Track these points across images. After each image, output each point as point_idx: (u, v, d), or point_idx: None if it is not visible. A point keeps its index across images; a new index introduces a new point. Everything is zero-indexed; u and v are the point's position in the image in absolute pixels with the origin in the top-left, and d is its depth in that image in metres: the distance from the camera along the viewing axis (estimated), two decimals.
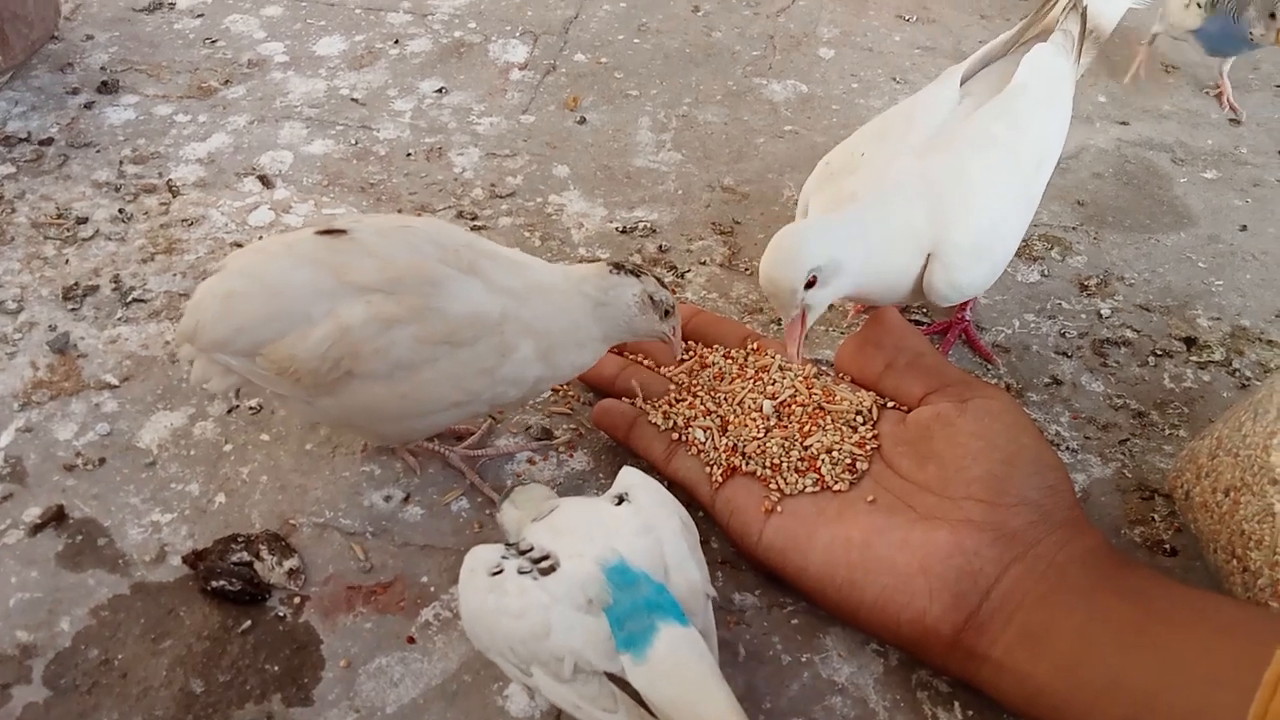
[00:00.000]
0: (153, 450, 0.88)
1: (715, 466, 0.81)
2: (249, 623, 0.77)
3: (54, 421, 0.90)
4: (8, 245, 1.06)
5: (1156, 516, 0.87)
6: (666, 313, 0.80)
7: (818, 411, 0.83)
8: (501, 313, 0.75)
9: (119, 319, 0.99)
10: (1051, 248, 1.13)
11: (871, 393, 0.84)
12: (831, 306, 1.00)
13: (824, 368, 0.88)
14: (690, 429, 0.84)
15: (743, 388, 0.85)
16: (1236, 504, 0.79)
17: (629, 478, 0.73)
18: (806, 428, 0.82)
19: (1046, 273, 1.10)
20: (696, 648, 0.64)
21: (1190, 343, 1.03)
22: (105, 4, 1.43)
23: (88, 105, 1.25)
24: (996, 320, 1.04)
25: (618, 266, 0.79)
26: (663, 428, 0.85)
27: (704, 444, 0.83)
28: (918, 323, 1.03)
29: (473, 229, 1.08)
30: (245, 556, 0.79)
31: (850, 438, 0.81)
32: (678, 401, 0.86)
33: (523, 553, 0.68)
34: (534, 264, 0.80)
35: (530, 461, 0.89)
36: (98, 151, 1.18)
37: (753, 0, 1.53)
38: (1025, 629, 0.68)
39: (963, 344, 1.01)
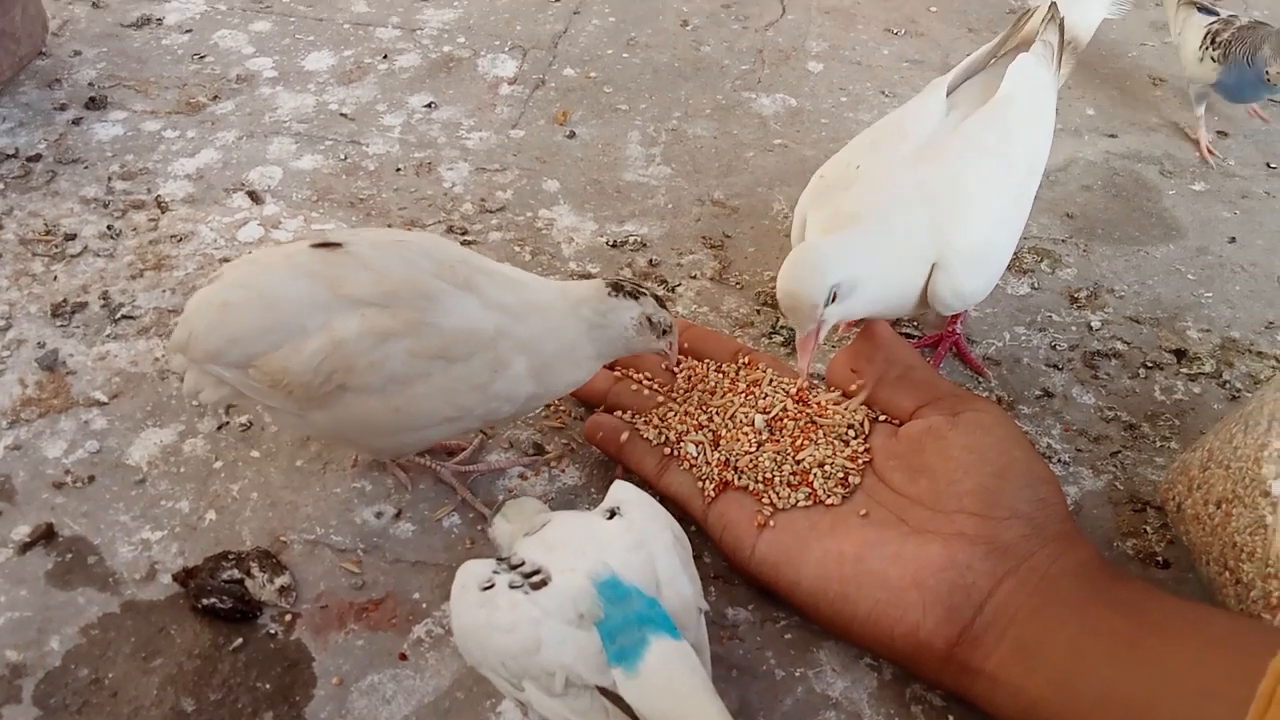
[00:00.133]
0: (142, 467, 0.88)
1: (707, 481, 0.81)
2: (240, 640, 0.76)
3: (43, 439, 0.89)
4: None
5: (1149, 529, 0.88)
6: (664, 331, 0.80)
7: (809, 425, 0.83)
8: (496, 329, 0.75)
9: (108, 336, 0.98)
10: (1041, 260, 1.13)
11: (863, 406, 0.84)
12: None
13: (815, 382, 0.88)
14: (682, 443, 0.84)
15: (734, 402, 0.85)
16: (1228, 516, 0.79)
17: (621, 492, 0.73)
18: (798, 442, 0.82)
19: (1037, 285, 1.10)
20: (688, 661, 0.63)
21: (1180, 355, 1.03)
22: (93, 20, 1.43)
23: (76, 121, 1.24)
24: (987, 333, 1.04)
25: (616, 288, 0.79)
26: (655, 442, 0.85)
27: (696, 458, 0.83)
28: (908, 336, 1.03)
29: (463, 244, 1.07)
30: (236, 574, 0.79)
31: (842, 451, 0.81)
32: (669, 416, 0.86)
33: (514, 567, 0.68)
34: (530, 281, 0.80)
35: (522, 477, 0.89)
36: (86, 168, 1.18)
37: (741, 14, 1.54)
38: (1018, 642, 0.68)
39: (954, 357, 1.01)
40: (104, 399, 0.93)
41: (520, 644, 0.64)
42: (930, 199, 0.86)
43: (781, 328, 1.02)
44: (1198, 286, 1.12)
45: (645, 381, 0.90)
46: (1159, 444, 0.95)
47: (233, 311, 0.74)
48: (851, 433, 0.82)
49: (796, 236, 0.92)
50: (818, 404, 0.84)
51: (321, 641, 0.77)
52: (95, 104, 1.27)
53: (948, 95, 0.95)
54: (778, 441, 0.82)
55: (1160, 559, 0.85)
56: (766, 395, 0.85)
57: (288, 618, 0.78)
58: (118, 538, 0.83)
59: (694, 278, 1.08)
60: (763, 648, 0.78)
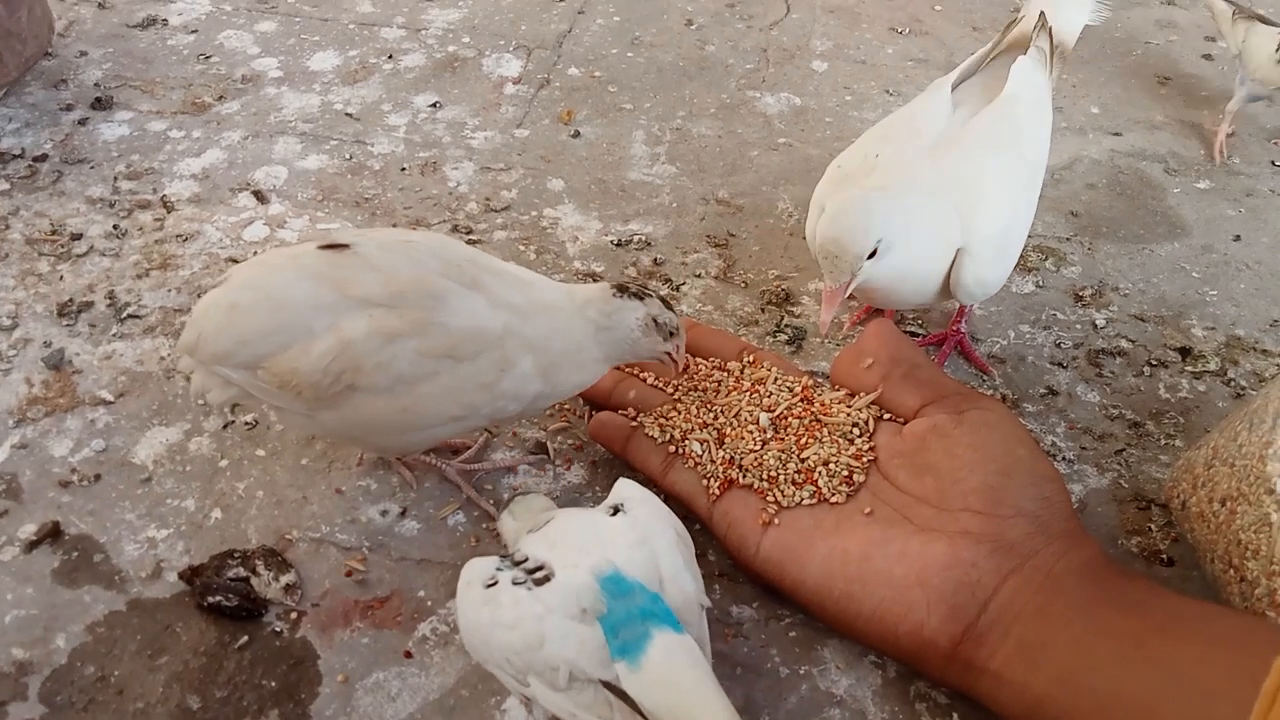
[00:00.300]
0: (148, 466, 0.88)
1: (712, 479, 0.81)
2: (246, 638, 0.77)
3: (49, 438, 0.90)
4: (2, 262, 1.06)
5: (1153, 527, 0.87)
6: (670, 333, 0.80)
7: (814, 424, 0.83)
8: (503, 328, 0.75)
9: (114, 335, 0.98)
10: (1046, 258, 1.13)
11: (868, 405, 0.84)
12: None
13: (820, 380, 0.88)
14: (687, 441, 0.84)
15: (739, 400, 0.85)
16: (1233, 514, 0.79)
17: (625, 490, 0.73)
18: (803, 440, 0.82)
19: (1041, 283, 1.10)
20: (691, 654, 0.64)
21: (1185, 353, 1.03)
22: (99, 20, 1.43)
23: (82, 121, 1.25)
24: (992, 331, 1.04)
25: (622, 289, 0.79)
26: (659, 440, 0.85)
27: (701, 456, 0.83)
28: (913, 334, 1.03)
29: (468, 243, 1.08)
30: (242, 572, 0.79)
31: (847, 450, 0.81)
32: (674, 414, 0.86)
33: (518, 564, 0.68)
34: (538, 281, 0.80)
35: (526, 471, 0.89)
36: (92, 168, 1.18)
37: (746, 14, 1.54)
38: (1023, 640, 0.68)
39: (958, 355, 1.01)
40: (110, 398, 0.93)
41: (524, 640, 0.64)
42: (953, 187, 0.87)
43: (786, 326, 1.02)
44: (1202, 284, 1.11)
45: (650, 380, 0.90)
46: (1163, 442, 0.94)
47: (241, 313, 0.74)
48: (856, 431, 0.82)
49: (812, 226, 0.93)
50: (822, 402, 0.84)
51: (327, 639, 0.77)
52: (101, 104, 1.27)
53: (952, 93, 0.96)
54: (782, 440, 0.82)
55: (1165, 557, 0.85)
56: (771, 394, 0.85)
57: (293, 616, 0.78)
58: (124, 536, 0.83)
59: (699, 276, 1.08)
60: (767, 645, 0.78)
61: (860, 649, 0.77)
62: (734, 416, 0.84)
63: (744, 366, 0.89)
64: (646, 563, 0.67)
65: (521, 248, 1.11)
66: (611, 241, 1.12)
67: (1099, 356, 1.02)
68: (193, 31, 1.42)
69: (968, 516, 0.73)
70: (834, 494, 0.78)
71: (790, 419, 0.83)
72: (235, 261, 1.06)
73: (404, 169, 1.21)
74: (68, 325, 0.99)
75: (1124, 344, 1.04)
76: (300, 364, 0.73)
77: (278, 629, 0.78)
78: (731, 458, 0.81)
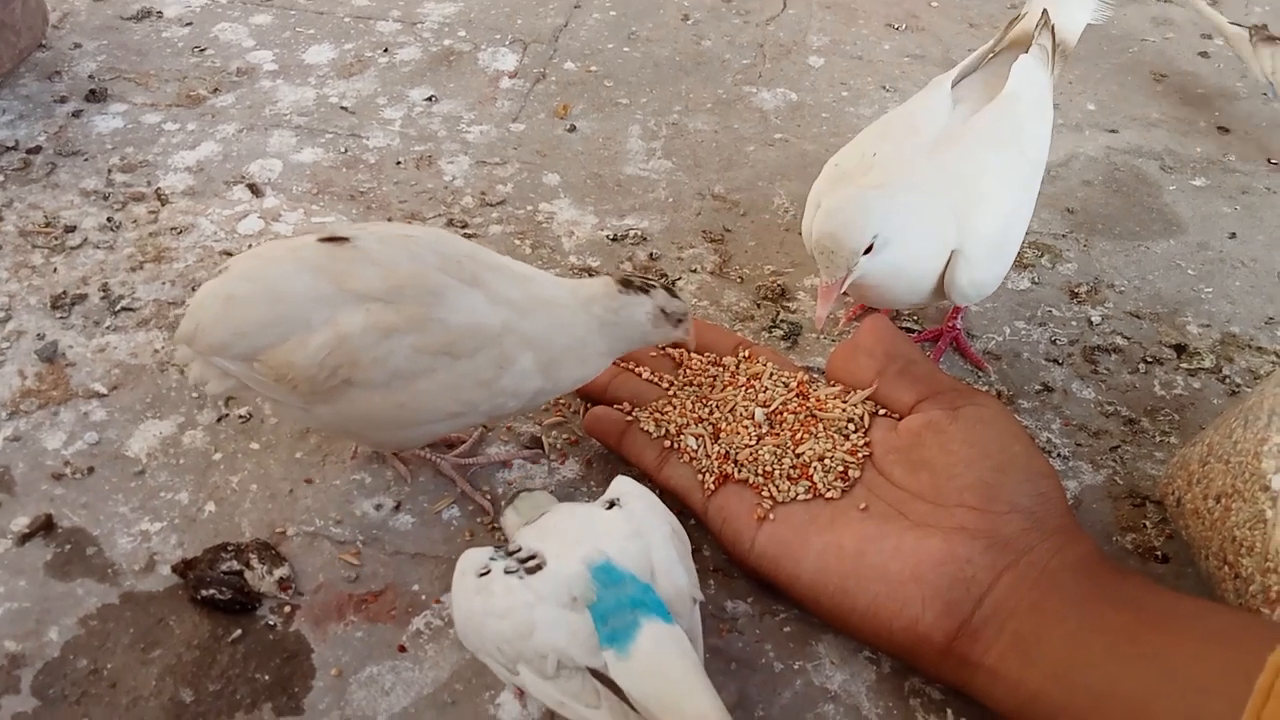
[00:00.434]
0: (142, 459, 0.88)
1: (707, 474, 0.81)
2: (239, 632, 0.76)
3: (42, 430, 0.89)
4: None
5: (1148, 523, 0.88)
6: (679, 320, 0.81)
7: (809, 419, 0.83)
8: (502, 325, 0.75)
9: (107, 327, 0.98)
10: (1042, 255, 1.13)
11: (863, 400, 0.84)
12: None
13: (815, 375, 0.88)
14: (682, 436, 0.84)
15: (734, 395, 0.85)
16: (1228, 510, 0.79)
17: (622, 485, 0.74)
18: (798, 435, 0.82)
19: (1037, 280, 1.10)
20: (680, 644, 0.64)
21: (1180, 350, 1.03)
22: (93, 12, 1.43)
23: (76, 113, 1.24)
24: (987, 328, 1.04)
25: (627, 284, 0.79)
26: (655, 435, 0.85)
27: (696, 451, 0.83)
28: (908, 330, 1.03)
29: (464, 237, 1.08)
30: (235, 565, 0.79)
31: (842, 445, 0.81)
32: (670, 409, 0.86)
33: (511, 554, 0.69)
34: (540, 277, 0.80)
35: (521, 465, 0.88)
36: (86, 160, 1.18)
37: (742, 9, 1.53)
38: (1018, 636, 0.68)
39: (954, 351, 1.01)
40: (103, 391, 0.93)
41: (514, 628, 0.64)
42: (951, 186, 0.87)
43: (782, 321, 1.02)
44: (1198, 282, 1.11)
45: (646, 375, 0.90)
46: (1158, 439, 0.94)
47: (238, 305, 0.74)
48: (851, 426, 0.82)
49: (809, 223, 0.93)
50: (818, 398, 0.84)
51: (320, 633, 0.77)
52: (95, 96, 1.26)
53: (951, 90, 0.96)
54: (778, 435, 0.82)
55: (1159, 554, 0.85)
56: (766, 389, 0.85)
57: (287, 609, 0.78)
58: (117, 529, 0.83)
59: (694, 271, 1.08)
60: (762, 640, 0.78)
61: (855, 644, 0.77)
62: (729, 412, 0.84)
63: (739, 362, 0.88)
64: (639, 554, 0.68)
65: (517, 242, 1.10)
66: (607, 236, 1.12)
67: (1094, 353, 1.02)
68: (187, 24, 1.42)
69: (963, 512, 0.73)
70: (829, 489, 0.78)
71: (785, 414, 0.83)
72: (230, 254, 1.06)
73: (399, 163, 1.21)
74: (61, 318, 0.99)
75: (1119, 341, 1.04)
76: (296, 357, 0.73)
77: (271, 622, 0.77)
78: (727, 453, 0.81)
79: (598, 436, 0.88)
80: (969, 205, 0.87)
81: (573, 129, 1.27)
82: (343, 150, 1.22)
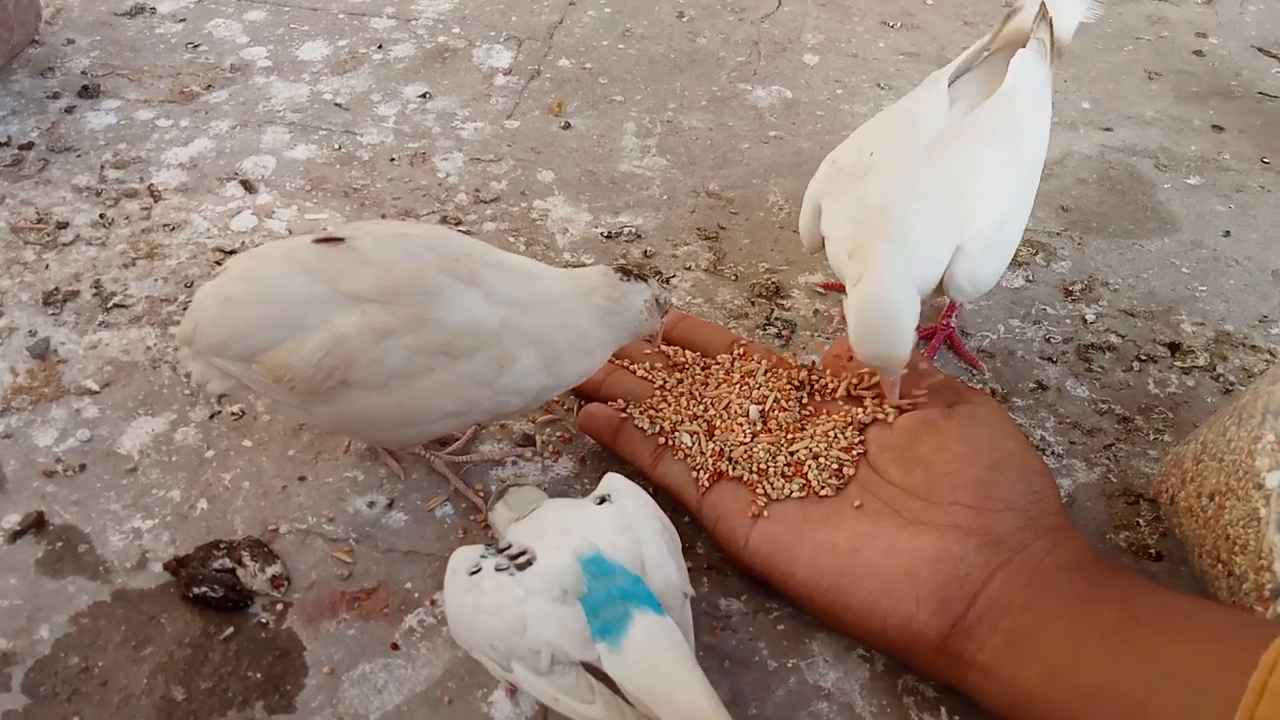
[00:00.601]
0: (134, 456, 0.87)
1: (702, 471, 0.81)
2: (231, 630, 0.76)
3: (34, 427, 0.89)
4: None
5: (1142, 521, 0.88)
6: (664, 311, 0.81)
7: (804, 417, 0.83)
8: (501, 323, 0.75)
9: (100, 324, 0.98)
10: (1036, 253, 1.13)
11: (855, 396, 0.84)
12: (816, 312, 1.01)
13: (810, 372, 0.88)
14: (677, 433, 0.84)
15: (729, 393, 0.85)
16: (1221, 508, 0.79)
17: (613, 481, 0.74)
18: (792, 433, 0.82)
19: (1031, 278, 1.10)
20: (672, 635, 0.64)
21: (1174, 348, 1.03)
22: (86, 8, 1.42)
23: (68, 109, 1.24)
24: (981, 326, 1.04)
25: (625, 272, 0.79)
26: (649, 432, 0.85)
27: (690, 448, 0.83)
28: None
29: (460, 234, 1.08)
30: (227, 563, 0.79)
31: (837, 443, 0.80)
32: (664, 406, 0.86)
33: (501, 551, 0.69)
34: (541, 272, 0.79)
35: (514, 463, 0.88)
36: (78, 156, 1.17)
37: (737, 6, 1.53)
38: (1011, 634, 0.68)
39: (948, 349, 1.01)
40: (95, 387, 0.92)
41: (506, 625, 0.64)
42: (949, 185, 0.86)
43: (776, 319, 1.02)
44: (1192, 280, 1.11)
45: (640, 372, 0.89)
46: (1152, 437, 0.94)
47: (235, 306, 0.74)
48: (845, 424, 0.82)
49: (807, 222, 0.93)
50: (812, 396, 0.84)
51: (313, 631, 0.77)
52: (88, 92, 1.26)
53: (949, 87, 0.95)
54: (772, 432, 0.82)
55: (1153, 551, 0.85)
56: (761, 386, 0.85)
57: (279, 607, 0.78)
58: (109, 526, 0.82)
59: (689, 269, 1.08)
60: (755, 638, 0.78)
61: (848, 642, 0.77)
62: (724, 409, 0.84)
63: (734, 359, 0.88)
64: (630, 547, 0.68)
65: (511, 239, 1.10)
66: (601, 233, 1.12)
67: (1088, 351, 1.02)
68: (181, 20, 1.41)
69: (957, 510, 0.73)
70: (823, 487, 0.78)
71: (780, 412, 0.83)
72: (223, 251, 1.06)
73: (393, 159, 1.20)
74: (53, 314, 0.98)
75: (1113, 339, 1.04)
76: (293, 359, 0.73)
77: (263, 620, 0.77)
78: (721, 450, 0.81)
79: (592, 433, 0.88)
80: (968, 203, 0.87)
81: (567, 126, 1.27)
82: (336, 147, 1.21)
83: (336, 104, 1.28)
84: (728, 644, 0.77)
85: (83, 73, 1.30)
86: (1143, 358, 1.02)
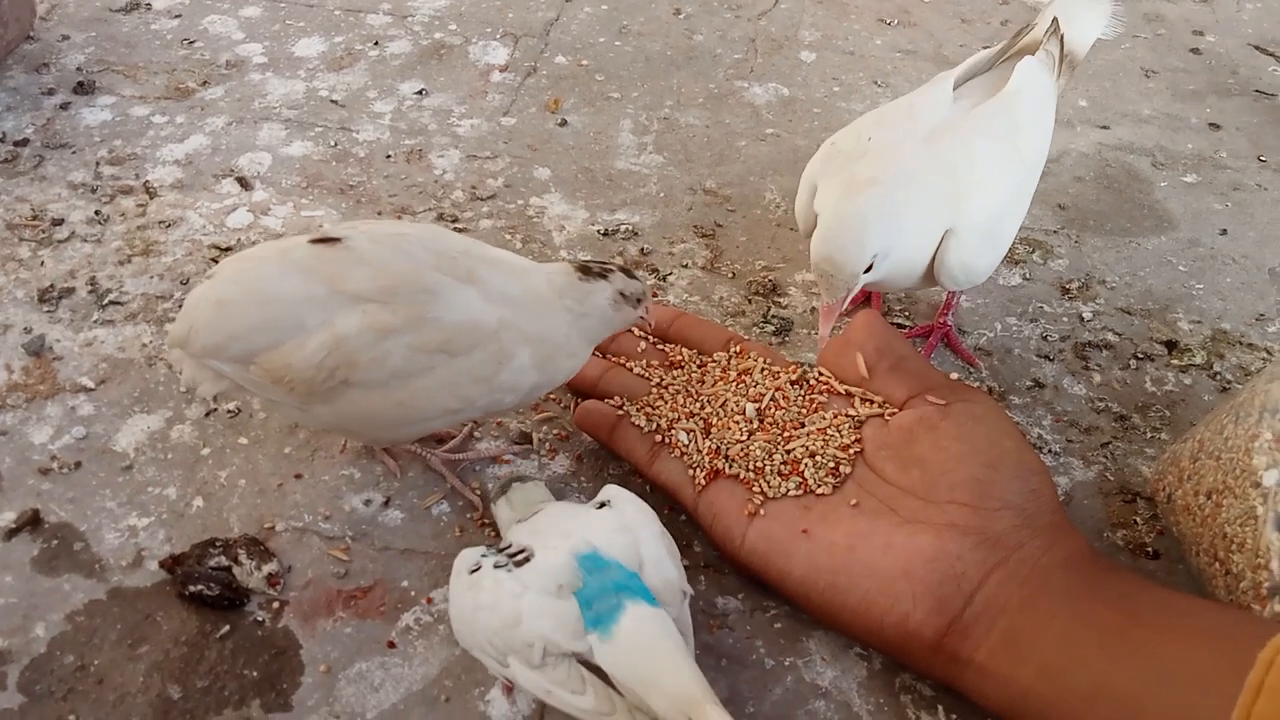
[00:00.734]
0: (129, 454, 0.87)
1: (698, 469, 0.81)
2: (227, 628, 0.76)
3: (29, 425, 0.89)
4: None
5: (1139, 519, 0.88)
6: (638, 300, 0.80)
7: (800, 415, 0.83)
8: (498, 321, 0.74)
9: (95, 321, 0.98)
10: (1033, 251, 1.13)
11: (853, 397, 0.84)
12: (813, 309, 1.01)
13: (807, 370, 0.88)
14: (673, 431, 0.83)
15: (726, 390, 0.85)
16: (1219, 507, 0.79)
17: (612, 490, 0.74)
18: (789, 431, 0.81)
19: (1028, 276, 1.10)
20: (664, 625, 0.64)
21: (1171, 346, 1.03)
22: (82, 4, 1.42)
23: (64, 106, 1.24)
24: (978, 324, 1.04)
25: (585, 270, 0.78)
26: (645, 430, 0.84)
27: (687, 446, 0.82)
28: (900, 326, 1.03)
29: (456, 232, 1.07)
30: (223, 561, 0.78)
31: (833, 441, 0.80)
32: (661, 403, 0.86)
33: (502, 550, 0.69)
34: (532, 270, 0.79)
35: (510, 461, 0.88)
36: (74, 153, 1.17)
37: (734, 3, 1.53)
38: (1008, 633, 0.68)
39: (945, 347, 1.01)
40: (91, 385, 0.92)
41: (502, 619, 0.65)
42: (945, 171, 0.87)
43: (773, 317, 1.02)
44: (1189, 278, 1.11)
45: (637, 370, 0.89)
46: (1149, 435, 0.94)
47: (229, 309, 0.74)
48: (842, 422, 0.82)
49: (802, 204, 0.93)
50: (808, 394, 0.84)
51: (309, 629, 0.76)
52: (83, 89, 1.26)
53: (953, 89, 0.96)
54: (768, 431, 0.82)
55: (1150, 550, 0.85)
56: (758, 384, 0.85)
57: (275, 605, 0.78)
58: (104, 524, 0.82)
59: (685, 266, 1.08)
60: (752, 637, 0.78)
61: (846, 641, 0.77)
62: (720, 407, 0.84)
63: (731, 357, 0.88)
64: (627, 546, 0.68)
65: (508, 237, 1.10)
66: (598, 231, 1.11)
67: (1085, 349, 1.02)
68: (176, 16, 1.41)
69: (954, 509, 0.73)
70: (820, 485, 0.78)
71: (776, 410, 0.83)
72: (219, 248, 1.05)
73: (389, 156, 1.20)
74: (48, 311, 0.98)
75: (1110, 337, 1.04)
76: (293, 360, 0.72)
77: (260, 618, 0.77)
78: (718, 448, 0.81)
79: (588, 431, 0.88)
80: (963, 191, 0.87)
81: (564, 123, 1.27)
82: (332, 144, 1.21)
83: (332, 101, 1.28)
84: (725, 642, 0.77)
85: (78, 69, 1.30)
86: (1140, 356, 1.02)
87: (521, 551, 0.68)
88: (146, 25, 1.39)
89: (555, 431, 0.91)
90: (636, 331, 0.92)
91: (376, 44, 1.38)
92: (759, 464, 0.80)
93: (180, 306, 0.84)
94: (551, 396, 0.93)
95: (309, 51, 1.36)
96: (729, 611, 0.79)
